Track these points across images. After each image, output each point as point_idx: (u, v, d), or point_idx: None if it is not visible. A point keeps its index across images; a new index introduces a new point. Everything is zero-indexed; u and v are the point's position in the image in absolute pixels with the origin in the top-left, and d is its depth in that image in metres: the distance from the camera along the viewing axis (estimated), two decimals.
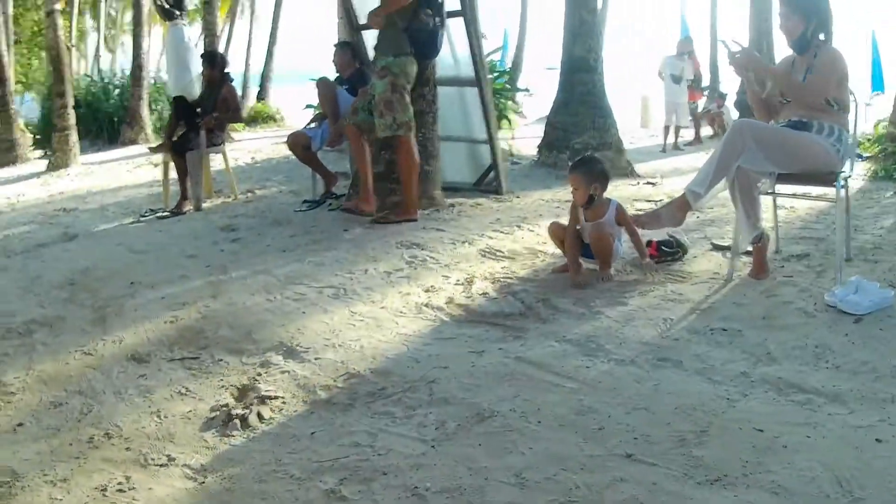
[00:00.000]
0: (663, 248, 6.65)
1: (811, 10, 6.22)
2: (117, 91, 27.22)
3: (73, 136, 20.22)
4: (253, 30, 50.20)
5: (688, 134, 20.42)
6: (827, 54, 6.16)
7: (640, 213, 7.91)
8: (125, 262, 8.05)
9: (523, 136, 17.47)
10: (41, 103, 29.57)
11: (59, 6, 20.74)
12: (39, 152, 25.06)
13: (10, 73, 25.65)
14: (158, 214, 10.71)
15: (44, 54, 47.32)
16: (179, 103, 11.83)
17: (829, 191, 6.08)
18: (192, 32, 16.71)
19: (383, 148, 9.02)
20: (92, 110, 26.08)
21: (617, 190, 10.57)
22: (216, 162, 12.47)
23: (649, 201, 9.74)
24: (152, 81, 28.33)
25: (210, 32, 24.28)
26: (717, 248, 7.10)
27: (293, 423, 4.17)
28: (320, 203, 10.14)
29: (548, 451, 3.66)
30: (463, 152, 11.30)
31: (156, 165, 15.18)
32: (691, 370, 4.44)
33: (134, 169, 17.29)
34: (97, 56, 66.86)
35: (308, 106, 17.89)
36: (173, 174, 11.25)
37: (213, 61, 11.79)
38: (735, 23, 29.60)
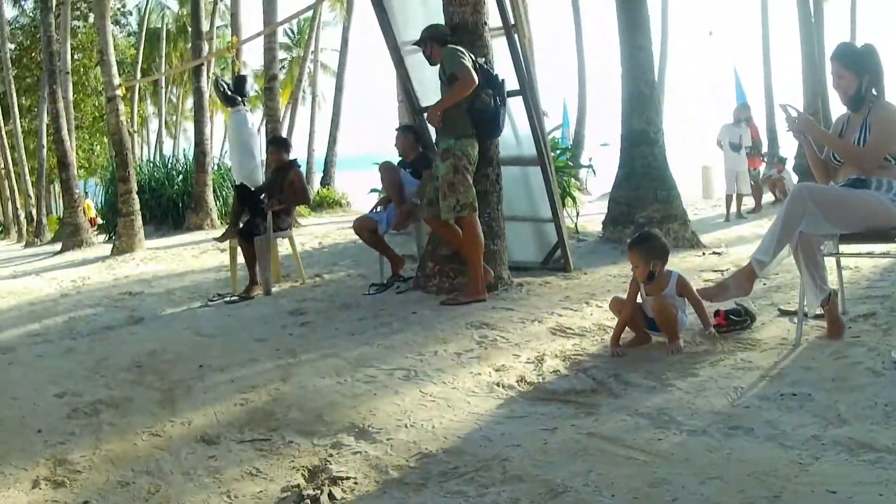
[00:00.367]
0: (731, 316, 6.63)
1: (863, 67, 6.25)
2: (181, 177, 27.51)
3: (138, 221, 20.55)
4: (315, 115, 50.69)
5: (750, 201, 20.30)
6: (881, 110, 6.18)
7: (708, 283, 7.91)
8: (193, 345, 8.14)
9: (588, 212, 17.51)
10: (104, 188, 29.97)
11: (119, 92, 21.07)
12: (103, 236, 25.41)
13: (73, 158, 26.02)
14: (227, 299, 10.81)
15: (105, 140, 48.28)
16: (243, 190, 11.94)
17: (893, 247, 6.06)
18: (254, 118, 16.99)
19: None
20: (156, 196, 26.48)
21: (683, 262, 10.58)
22: (283, 247, 12.60)
23: (716, 271, 9.74)
24: (216, 167, 28.63)
25: (272, 118, 24.48)
26: (784, 313, 7.07)
27: (365, 503, 4.16)
28: (388, 286, 10.14)
29: None
30: (529, 231, 11.34)
31: (222, 251, 15.32)
32: (763, 436, 4.40)
33: (200, 254, 17.49)
34: (159, 141, 67.93)
35: (373, 190, 18.01)
36: (241, 259, 11.35)
37: (284, 146, 11.97)
38: (789, 83, 29.56)
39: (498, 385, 5.81)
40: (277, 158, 11.79)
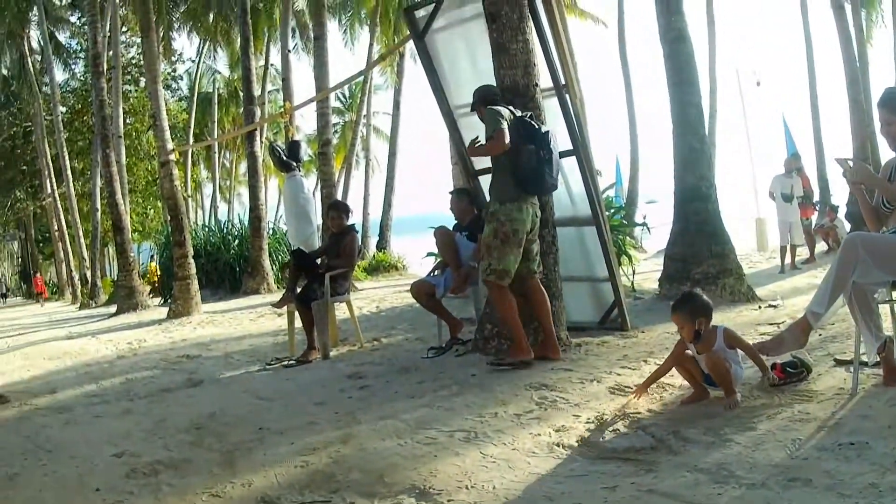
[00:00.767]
0: (788, 369, 6.62)
1: None
2: (236, 241, 27.76)
3: (194, 285, 20.81)
4: (369, 179, 51.05)
5: (804, 251, 20.23)
6: None
7: (764, 336, 7.91)
8: (252, 408, 8.21)
9: (643, 270, 17.55)
10: (158, 252, 30.36)
11: (173, 157, 21.37)
12: (158, 300, 25.65)
13: (127, 222, 26.37)
14: (285, 363, 10.88)
15: (158, 203, 48.87)
16: (300, 255, 12.07)
17: None
18: (309, 183, 17.18)
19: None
20: (212, 260, 26.83)
21: (740, 316, 10.60)
22: (341, 311, 12.67)
23: (772, 324, 9.73)
24: (271, 231, 28.86)
25: (327, 183, 24.67)
26: (839, 363, 7.07)
27: None
28: (447, 349, 10.16)
29: None
30: (586, 291, 11.35)
31: (279, 315, 15.44)
32: (821, 487, 4.41)
33: (257, 318, 17.62)
34: (213, 206, 68.46)
35: (429, 254, 18.10)
36: (298, 323, 11.41)
37: (345, 211, 12.04)
38: (838, 130, 29.43)
39: (558, 445, 5.81)
40: (338, 224, 11.80)
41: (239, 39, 34.97)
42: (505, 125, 8.40)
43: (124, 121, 39.22)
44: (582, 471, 5.23)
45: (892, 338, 6.27)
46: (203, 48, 59.39)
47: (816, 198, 24.41)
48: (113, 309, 25.91)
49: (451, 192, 11.48)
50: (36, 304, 52.77)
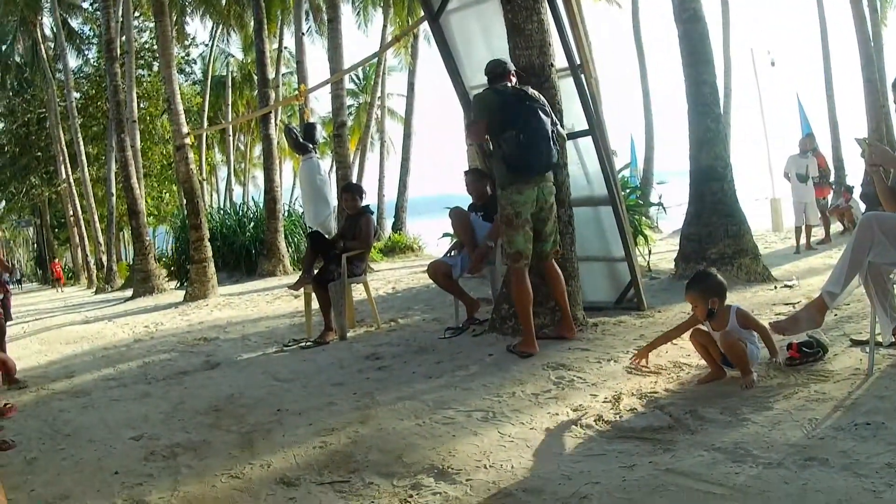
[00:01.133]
0: (804, 349, 6.62)
1: None
2: (252, 224, 27.74)
3: (211, 268, 20.83)
4: (384, 160, 50.98)
5: (820, 231, 20.21)
6: None
7: (780, 316, 7.91)
8: (270, 389, 8.22)
9: (659, 250, 17.56)
10: (174, 236, 30.37)
11: (188, 141, 21.37)
12: (174, 283, 25.69)
13: (143, 206, 26.40)
14: (302, 345, 10.90)
15: (174, 187, 48.92)
16: (316, 237, 12.06)
17: None
18: (324, 165, 17.13)
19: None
20: (228, 242, 26.82)
21: (756, 296, 10.59)
22: (358, 292, 12.69)
23: (788, 304, 9.71)
24: (286, 213, 28.86)
25: (342, 165, 24.45)
26: (856, 343, 7.07)
27: None
28: (464, 329, 10.17)
29: None
30: (602, 271, 11.35)
31: (296, 297, 15.46)
32: (837, 466, 4.42)
33: (273, 300, 17.65)
34: (228, 189, 68.48)
35: (445, 235, 18.06)
36: (315, 304, 11.44)
37: (359, 192, 12.01)
38: (853, 110, 29.33)
39: (576, 424, 5.83)
40: (353, 206, 11.77)
41: (252, 22, 35.04)
42: (483, 116, 8.45)
43: (138, 105, 39.25)
44: (600, 450, 5.25)
45: None
46: (216, 32, 59.42)
47: (832, 178, 24.28)
48: (129, 293, 25.99)
49: (465, 173, 11.45)
50: (53, 290, 52.92)
